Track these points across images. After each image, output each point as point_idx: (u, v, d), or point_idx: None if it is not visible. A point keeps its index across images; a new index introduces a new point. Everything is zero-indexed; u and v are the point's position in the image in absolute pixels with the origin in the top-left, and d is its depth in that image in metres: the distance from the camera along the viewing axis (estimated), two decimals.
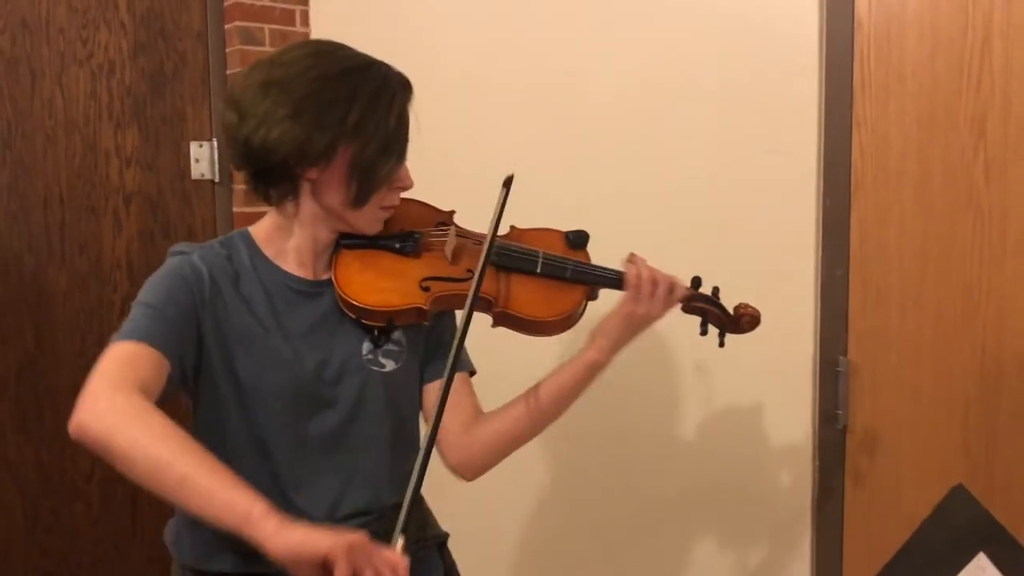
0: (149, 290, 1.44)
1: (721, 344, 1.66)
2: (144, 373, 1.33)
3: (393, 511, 1.57)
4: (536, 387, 1.59)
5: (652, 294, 1.55)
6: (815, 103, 1.96)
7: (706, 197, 2.12)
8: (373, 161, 1.45)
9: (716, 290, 1.66)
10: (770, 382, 2.06)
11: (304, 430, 1.50)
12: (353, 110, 1.43)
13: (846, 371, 1.98)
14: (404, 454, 1.62)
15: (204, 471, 1.22)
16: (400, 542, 1.19)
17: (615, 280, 1.58)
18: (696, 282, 1.64)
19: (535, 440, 2.40)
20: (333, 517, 1.49)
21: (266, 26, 2.75)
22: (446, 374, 1.33)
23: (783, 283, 2.01)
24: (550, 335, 1.58)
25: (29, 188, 2.48)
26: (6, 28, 2.41)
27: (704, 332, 1.66)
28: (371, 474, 1.56)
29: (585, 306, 1.60)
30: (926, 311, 1.96)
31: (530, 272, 1.55)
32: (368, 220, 1.53)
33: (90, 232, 2.59)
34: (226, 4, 2.72)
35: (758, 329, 1.93)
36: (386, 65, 1.53)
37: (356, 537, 1.15)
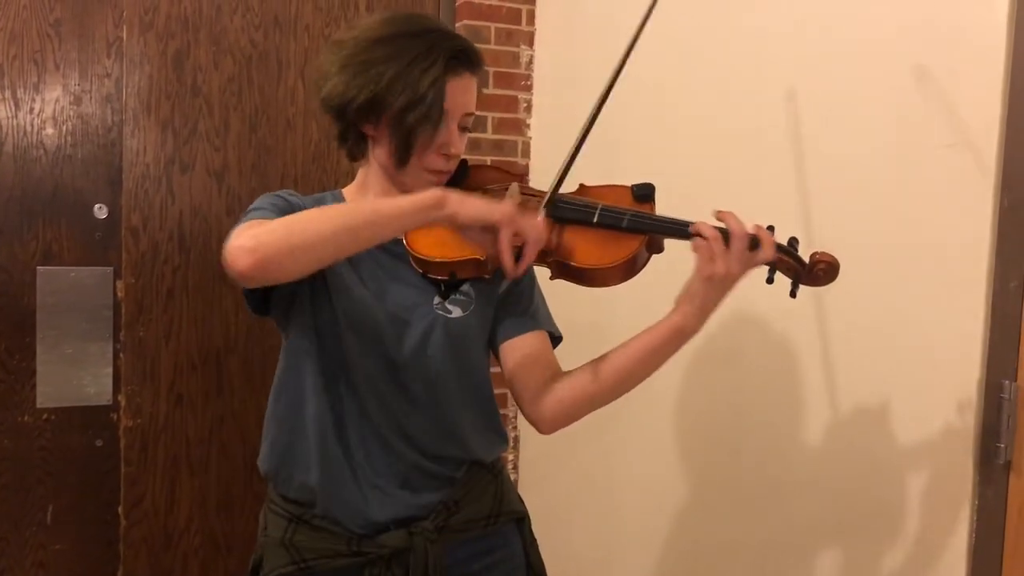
0: (259, 202, 1.55)
1: (793, 295, 1.48)
2: None
3: (449, 463, 1.63)
4: (619, 349, 1.54)
5: (726, 251, 1.41)
6: (999, 82, 1.70)
7: (874, 197, 1.90)
8: (403, 120, 1.50)
9: (794, 240, 1.50)
10: (928, 407, 1.80)
11: (372, 370, 1.57)
12: (389, 70, 1.49)
13: (1012, 398, 1.66)
14: (471, 405, 1.65)
15: (380, 204, 1.43)
16: (543, 213, 1.48)
17: (676, 230, 1.47)
18: (769, 231, 1.48)
19: (685, 454, 2.32)
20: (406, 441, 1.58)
21: (492, 25, 2.86)
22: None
23: (950, 294, 1.74)
24: (608, 285, 1.52)
25: (270, 167, 2.76)
26: (260, 24, 2.71)
27: (771, 280, 1.49)
28: (425, 427, 1.59)
29: (647, 257, 1.52)
30: None
31: (587, 223, 1.52)
32: (415, 181, 1.58)
33: None
34: (458, 3, 2.86)
35: (923, 351, 1.72)
36: (448, 36, 1.56)
37: (513, 209, 1.38)
